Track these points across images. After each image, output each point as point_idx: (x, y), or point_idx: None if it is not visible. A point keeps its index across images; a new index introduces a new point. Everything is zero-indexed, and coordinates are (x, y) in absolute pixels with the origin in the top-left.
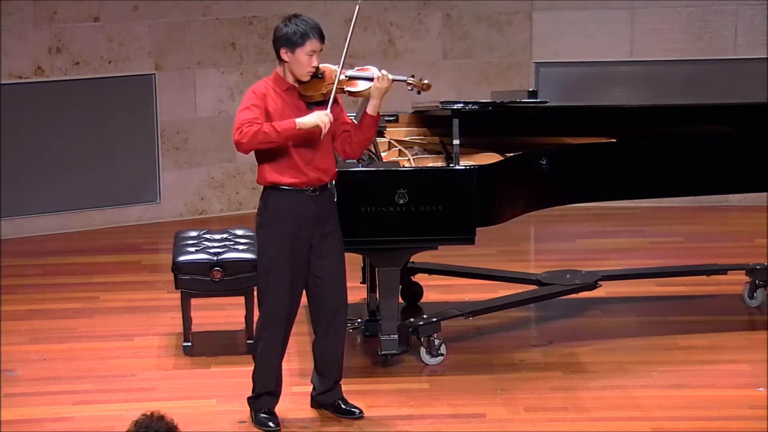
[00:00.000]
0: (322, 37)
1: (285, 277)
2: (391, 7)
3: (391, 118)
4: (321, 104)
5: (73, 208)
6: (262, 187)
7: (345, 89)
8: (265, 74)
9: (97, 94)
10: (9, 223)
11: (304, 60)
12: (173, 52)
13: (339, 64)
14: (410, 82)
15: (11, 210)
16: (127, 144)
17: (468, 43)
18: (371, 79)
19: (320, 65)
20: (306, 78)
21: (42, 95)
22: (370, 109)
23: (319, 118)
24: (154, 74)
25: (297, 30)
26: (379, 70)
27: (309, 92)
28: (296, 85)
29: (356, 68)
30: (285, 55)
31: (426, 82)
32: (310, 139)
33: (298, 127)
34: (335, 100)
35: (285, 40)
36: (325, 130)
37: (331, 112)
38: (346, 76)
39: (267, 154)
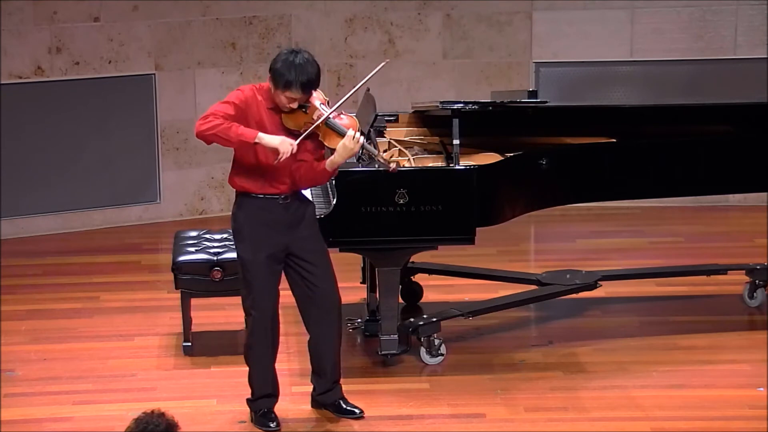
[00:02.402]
0: (307, 90)
1: (263, 281)
2: (391, 7)
3: (391, 118)
4: (296, 136)
5: (73, 208)
6: None
7: (320, 137)
8: (265, 74)
9: (97, 94)
10: (9, 223)
11: (282, 100)
12: (173, 52)
13: (328, 105)
14: (380, 159)
15: (11, 210)
16: (127, 144)
17: (468, 43)
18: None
19: (313, 94)
20: (286, 110)
21: (42, 95)
22: (329, 165)
23: (282, 144)
24: (154, 74)
25: (283, 74)
26: (357, 131)
27: (289, 123)
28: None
29: (341, 117)
30: (270, 83)
31: (393, 165)
32: (264, 156)
33: (256, 141)
34: (309, 136)
35: (272, 73)
36: (281, 158)
37: (305, 143)
38: (326, 125)
39: (239, 159)
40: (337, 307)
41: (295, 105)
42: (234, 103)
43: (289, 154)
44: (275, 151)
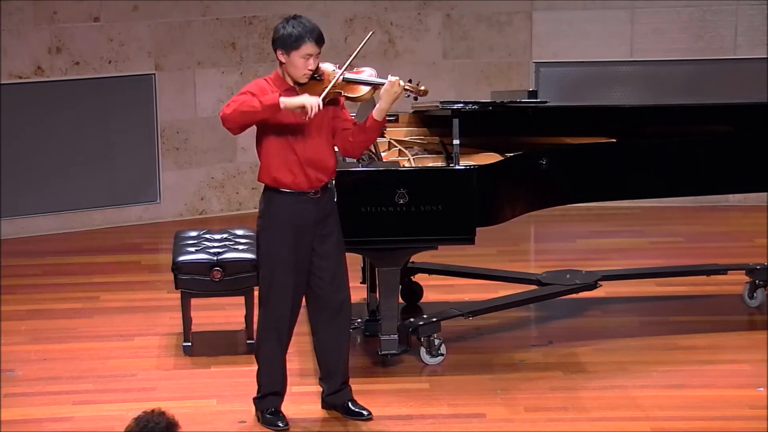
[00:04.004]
0: (319, 41)
1: (288, 280)
2: (391, 7)
3: (392, 118)
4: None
5: (73, 208)
6: (262, 187)
7: (343, 93)
8: (264, 74)
9: (97, 94)
10: (9, 223)
11: (299, 63)
12: (173, 52)
13: (339, 67)
14: (407, 87)
15: (11, 210)
16: (127, 144)
17: (468, 43)
18: (371, 84)
19: (320, 65)
20: (303, 80)
21: (42, 95)
22: (377, 113)
23: (306, 99)
24: (154, 74)
25: (293, 32)
26: (377, 75)
27: (308, 94)
28: (296, 86)
29: (354, 69)
30: (281, 56)
31: (423, 88)
32: (310, 137)
33: (282, 103)
34: (332, 101)
35: (281, 42)
36: (311, 113)
37: (331, 110)
38: (344, 80)
39: (269, 150)
40: (346, 308)
41: (312, 64)
42: (250, 92)
43: (317, 108)
44: (302, 109)
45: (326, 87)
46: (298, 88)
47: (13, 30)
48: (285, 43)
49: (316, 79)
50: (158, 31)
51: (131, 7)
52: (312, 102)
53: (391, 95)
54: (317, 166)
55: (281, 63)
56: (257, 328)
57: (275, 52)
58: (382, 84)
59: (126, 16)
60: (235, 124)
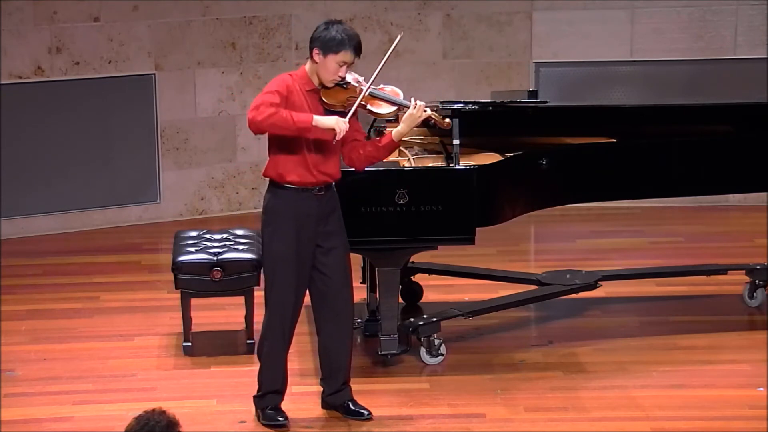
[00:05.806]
0: (357, 52)
1: (290, 275)
2: (391, 7)
3: (392, 119)
4: (340, 114)
5: (73, 208)
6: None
7: (367, 106)
8: (264, 74)
9: (97, 94)
10: (9, 223)
11: (332, 67)
12: (173, 52)
13: (365, 79)
14: (434, 116)
15: (11, 210)
16: (127, 144)
17: (468, 43)
18: (395, 104)
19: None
20: (330, 84)
21: (42, 95)
22: (396, 135)
23: (337, 122)
24: (154, 74)
25: (336, 36)
26: (412, 99)
27: (330, 100)
28: (319, 88)
29: (380, 86)
30: (317, 56)
31: (447, 120)
32: (321, 140)
33: (313, 124)
34: (355, 113)
35: (321, 42)
36: (339, 136)
37: (352, 121)
38: (371, 94)
39: (280, 148)
40: (349, 305)
41: (344, 72)
42: (278, 91)
43: (345, 131)
44: (331, 131)
45: (352, 99)
46: (322, 90)
47: (13, 30)
48: (325, 44)
49: (342, 86)
50: (158, 31)
51: (131, 7)
52: (341, 126)
53: (414, 120)
54: (323, 169)
55: (313, 61)
56: (262, 326)
57: (311, 50)
58: (407, 106)
59: (126, 16)
60: (259, 132)
